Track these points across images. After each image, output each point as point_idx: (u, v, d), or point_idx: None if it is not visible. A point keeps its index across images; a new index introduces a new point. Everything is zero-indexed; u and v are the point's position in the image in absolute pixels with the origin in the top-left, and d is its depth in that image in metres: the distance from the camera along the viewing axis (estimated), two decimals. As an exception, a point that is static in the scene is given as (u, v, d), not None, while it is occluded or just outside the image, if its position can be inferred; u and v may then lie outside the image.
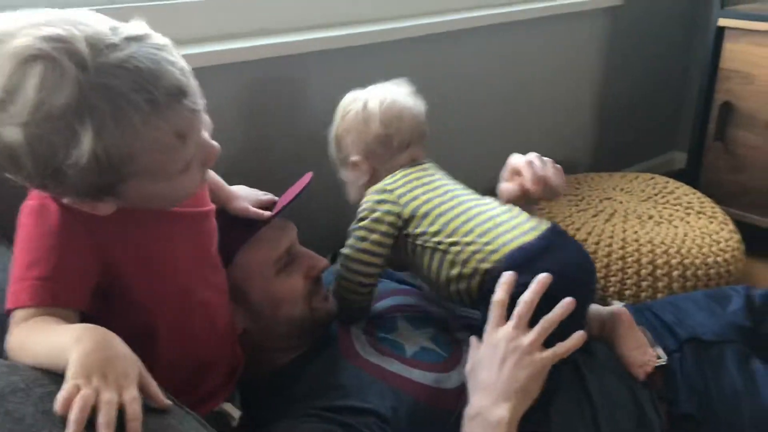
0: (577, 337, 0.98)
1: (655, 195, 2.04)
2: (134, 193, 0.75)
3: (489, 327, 1.00)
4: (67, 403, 0.63)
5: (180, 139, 0.73)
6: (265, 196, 1.16)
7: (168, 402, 0.70)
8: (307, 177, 1.16)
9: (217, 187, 1.07)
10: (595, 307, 1.20)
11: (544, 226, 1.08)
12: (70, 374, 0.65)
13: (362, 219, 1.12)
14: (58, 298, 0.76)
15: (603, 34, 2.31)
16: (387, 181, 1.15)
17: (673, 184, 2.09)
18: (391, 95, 1.20)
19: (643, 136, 2.68)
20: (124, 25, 0.71)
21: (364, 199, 1.15)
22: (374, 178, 1.18)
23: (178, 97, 0.71)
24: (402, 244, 1.13)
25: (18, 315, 0.76)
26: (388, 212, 1.11)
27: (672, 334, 1.20)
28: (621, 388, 1.11)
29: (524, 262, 1.02)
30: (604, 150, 2.53)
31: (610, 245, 1.79)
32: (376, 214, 1.11)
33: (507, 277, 1.00)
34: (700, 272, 1.74)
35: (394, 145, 1.17)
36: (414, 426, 1.00)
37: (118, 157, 0.69)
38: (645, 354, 1.13)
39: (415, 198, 1.12)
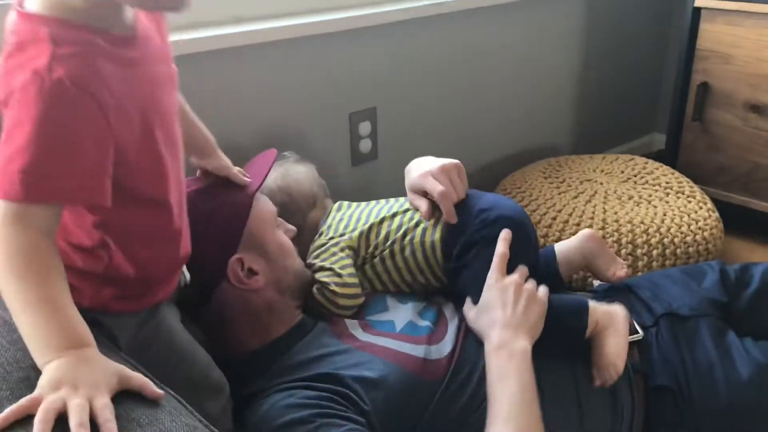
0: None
1: (635, 176, 2.06)
2: None
3: (494, 274, 1.13)
4: (27, 406, 0.63)
5: None
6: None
7: (160, 392, 0.71)
8: (272, 153, 1.22)
9: (205, 138, 1.13)
10: (564, 245, 1.37)
11: None
12: (41, 383, 0.66)
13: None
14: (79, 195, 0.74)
15: (580, 17, 2.32)
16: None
17: (652, 164, 2.11)
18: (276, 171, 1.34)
19: (623, 118, 2.70)
20: None
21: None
22: None
23: None
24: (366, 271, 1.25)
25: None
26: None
27: (648, 309, 1.22)
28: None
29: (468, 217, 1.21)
30: (585, 133, 2.54)
31: (590, 226, 1.80)
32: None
33: (505, 234, 1.16)
34: (679, 251, 1.76)
35: None
36: (403, 395, 1.02)
37: None
38: (615, 263, 1.31)
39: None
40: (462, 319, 1.16)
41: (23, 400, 0.64)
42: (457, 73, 1.99)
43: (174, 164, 0.88)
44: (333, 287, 1.16)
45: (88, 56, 0.73)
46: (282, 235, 1.18)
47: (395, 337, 1.11)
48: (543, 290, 1.13)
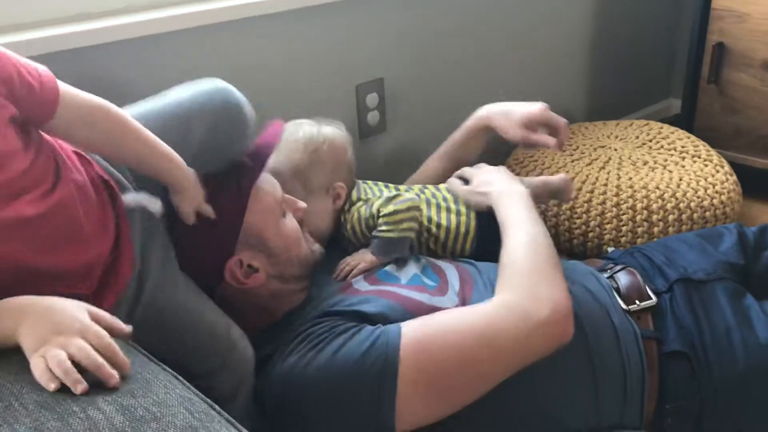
0: None
1: (650, 141, 2.02)
2: None
3: (475, 169, 1.33)
4: (47, 374, 0.64)
5: None
6: None
7: (126, 327, 0.73)
8: (278, 126, 1.17)
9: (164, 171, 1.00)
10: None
11: None
12: (29, 352, 0.67)
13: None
14: None
15: (592, -20, 2.27)
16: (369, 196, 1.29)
17: (667, 129, 2.07)
18: (333, 128, 1.31)
19: (638, 83, 2.64)
20: None
21: (363, 215, 1.24)
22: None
23: None
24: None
25: None
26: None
27: (662, 274, 1.19)
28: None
29: None
30: (599, 100, 2.49)
31: (604, 192, 1.77)
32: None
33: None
34: (696, 215, 1.73)
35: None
36: None
37: None
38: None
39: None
40: (465, 278, 1.15)
41: (38, 371, 0.64)
42: (465, 41, 1.95)
43: None
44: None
45: None
46: (286, 224, 1.12)
47: (401, 286, 1.10)
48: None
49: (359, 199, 1.28)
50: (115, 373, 0.65)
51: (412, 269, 1.16)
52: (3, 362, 0.66)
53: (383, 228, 1.19)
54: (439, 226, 1.27)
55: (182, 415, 0.59)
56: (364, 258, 1.19)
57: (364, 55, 1.74)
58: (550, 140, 1.33)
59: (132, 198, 0.97)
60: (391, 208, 1.19)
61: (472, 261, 1.24)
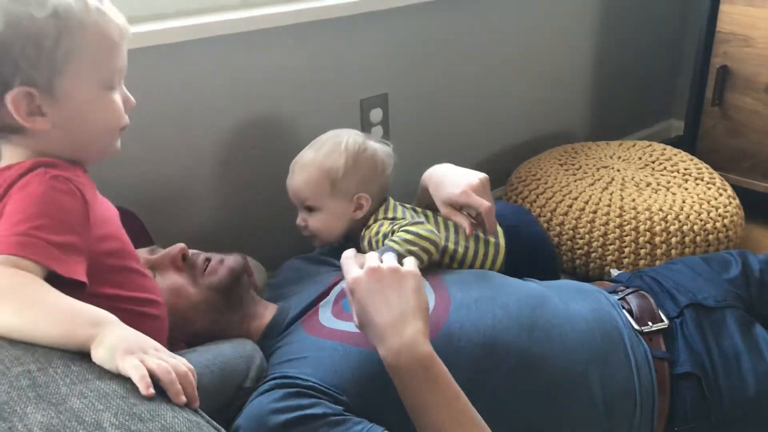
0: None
1: (653, 162, 2.01)
2: (67, 101, 0.83)
3: (349, 277, 0.96)
4: (147, 379, 0.66)
5: (119, 42, 0.86)
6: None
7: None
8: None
9: None
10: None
11: None
12: (118, 353, 0.68)
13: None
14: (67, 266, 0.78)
15: (596, 0, 2.27)
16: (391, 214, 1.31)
17: (670, 151, 2.06)
18: (380, 144, 1.35)
19: (640, 104, 2.65)
20: None
21: (383, 231, 1.25)
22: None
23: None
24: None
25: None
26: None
27: (672, 299, 1.18)
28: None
29: None
30: (601, 119, 2.49)
31: (607, 213, 1.76)
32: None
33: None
34: (699, 238, 1.72)
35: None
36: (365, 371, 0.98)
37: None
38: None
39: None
40: (440, 298, 1.12)
41: (137, 373, 0.66)
42: (469, 58, 1.94)
43: None
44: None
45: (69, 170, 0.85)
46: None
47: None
48: (408, 261, 0.98)
49: (386, 217, 1.28)
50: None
51: None
52: (9, 379, 0.64)
53: (395, 239, 1.19)
54: (464, 253, 1.28)
55: (191, 442, 0.58)
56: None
57: (369, 70, 1.73)
58: (466, 226, 1.21)
59: None
60: (413, 228, 1.19)
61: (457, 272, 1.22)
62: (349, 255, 0.99)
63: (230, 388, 0.97)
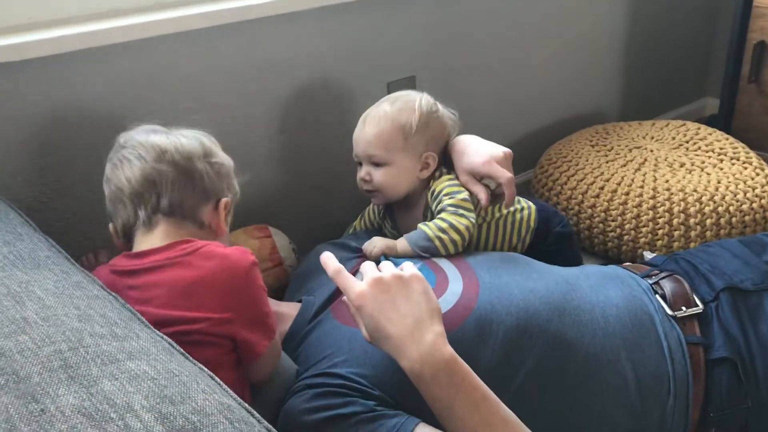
0: None
1: (687, 142, 1.97)
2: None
3: (352, 293, 0.90)
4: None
5: None
6: None
7: None
8: None
9: None
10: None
11: None
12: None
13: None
14: None
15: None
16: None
17: (705, 130, 2.02)
18: (449, 110, 1.35)
19: (674, 82, 2.59)
20: None
21: (451, 189, 1.25)
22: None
23: None
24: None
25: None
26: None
27: (707, 282, 1.15)
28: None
29: None
30: (633, 99, 2.45)
31: (640, 195, 1.73)
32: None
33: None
34: (734, 220, 1.68)
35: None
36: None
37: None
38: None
39: None
40: (466, 274, 1.11)
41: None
42: (498, 40, 1.92)
43: None
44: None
45: None
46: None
47: None
48: (407, 266, 0.94)
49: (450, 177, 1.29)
50: None
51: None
52: (40, 359, 0.64)
53: (430, 224, 1.19)
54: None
55: (222, 426, 0.57)
56: (375, 244, 1.23)
57: (396, 52, 1.71)
58: (483, 196, 1.22)
59: None
60: (452, 219, 1.19)
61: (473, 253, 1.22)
62: (338, 269, 0.92)
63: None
